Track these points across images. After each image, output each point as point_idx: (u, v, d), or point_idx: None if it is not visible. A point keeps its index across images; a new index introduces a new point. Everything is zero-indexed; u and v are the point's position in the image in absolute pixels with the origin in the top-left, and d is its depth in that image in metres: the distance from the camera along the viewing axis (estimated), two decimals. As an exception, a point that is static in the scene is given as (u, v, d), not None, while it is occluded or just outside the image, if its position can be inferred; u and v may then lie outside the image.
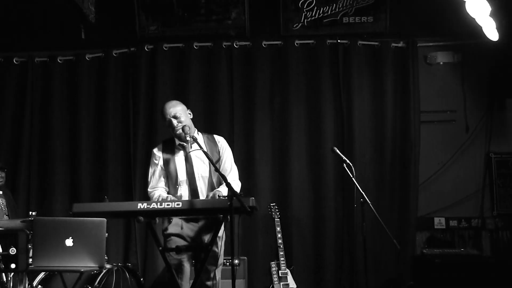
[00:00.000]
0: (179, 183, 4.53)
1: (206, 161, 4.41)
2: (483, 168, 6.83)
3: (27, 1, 6.69)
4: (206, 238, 4.41)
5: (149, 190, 4.65)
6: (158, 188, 4.60)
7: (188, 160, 4.57)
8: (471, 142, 6.84)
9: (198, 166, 4.56)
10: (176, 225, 4.45)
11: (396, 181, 6.67)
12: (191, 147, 4.55)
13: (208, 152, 4.47)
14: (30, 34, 6.97)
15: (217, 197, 4.24)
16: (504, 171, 6.80)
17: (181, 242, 4.39)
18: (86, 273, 4.34)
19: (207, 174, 4.55)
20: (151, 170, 4.68)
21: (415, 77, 6.75)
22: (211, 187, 4.54)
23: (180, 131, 4.50)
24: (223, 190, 4.34)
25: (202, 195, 4.51)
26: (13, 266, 3.79)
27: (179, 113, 4.58)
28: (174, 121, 4.54)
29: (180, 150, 4.62)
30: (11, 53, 7.04)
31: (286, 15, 6.86)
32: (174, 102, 4.69)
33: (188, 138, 4.41)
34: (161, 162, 4.63)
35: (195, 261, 4.37)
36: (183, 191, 4.51)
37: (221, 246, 4.48)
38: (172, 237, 4.43)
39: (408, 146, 6.65)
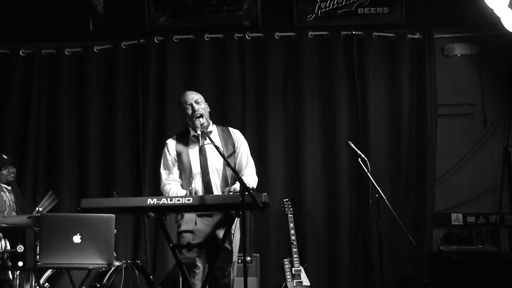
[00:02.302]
0: (193, 176, 4.45)
1: None
2: (501, 162, 6.73)
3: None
4: (221, 233, 4.30)
5: (162, 181, 4.56)
6: (172, 181, 4.52)
7: (202, 152, 4.48)
8: (489, 136, 6.75)
9: (213, 158, 4.47)
10: (190, 221, 4.36)
11: (412, 176, 6.59)
12: (203, 141, 4.44)
13: (223, 145, 4.48)
14: (37, 25, 6.88)
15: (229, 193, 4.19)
16: (523, 166, 6.70)
17: (193, 239, 4.30)
18: (94, 270, 4.30)
19: (222, 167, 4.47)
20: (163, 161, 4.61)
21: (432, 69, 6.66)
22: (225, 180, 4.46)
23: (199, 121, 4.42)
24: (237, 187, 4.24)
25: (216, 188, 4.43)
26: (20, 264, 3.71)
27: (200, 100, 4.57)
28: (196, 106, 4.50)
29: (195, 142, 4.54)
30: (17, 44, 6.95)
31: (300, 6, 6.76)
32: (194, 91, 4.68)
33: (198, 132, 4.37)
34: (174, 153, 4.56)
35: (208, 258, 4.30)
36: (197, 184, 4.41)
37: (234, 242, 4.37)
38: (185, 235, 4.35)
39: (424, 140, 6.57)
